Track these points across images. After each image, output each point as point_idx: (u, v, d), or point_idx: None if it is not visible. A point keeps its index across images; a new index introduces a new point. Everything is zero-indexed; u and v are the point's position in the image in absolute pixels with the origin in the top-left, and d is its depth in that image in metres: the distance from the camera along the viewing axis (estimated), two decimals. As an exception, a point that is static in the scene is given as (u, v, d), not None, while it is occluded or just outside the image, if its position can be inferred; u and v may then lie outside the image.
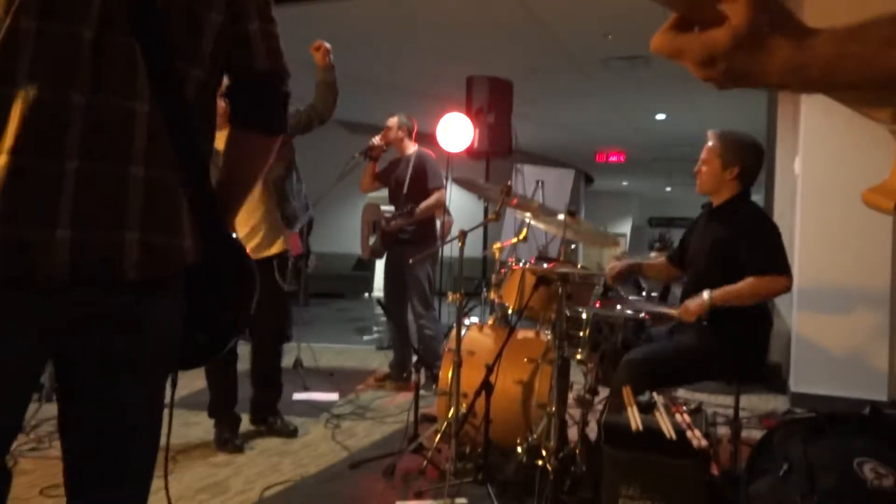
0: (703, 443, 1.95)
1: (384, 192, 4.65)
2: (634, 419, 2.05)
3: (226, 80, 1.23)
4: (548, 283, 2.69)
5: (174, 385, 1.19)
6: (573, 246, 5.13)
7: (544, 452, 2.49)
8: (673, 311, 2.53)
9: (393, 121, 4.44)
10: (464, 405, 2.67)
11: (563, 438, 2.65)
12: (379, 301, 4.91)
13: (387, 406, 4.01)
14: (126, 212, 1.01)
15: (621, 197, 19.61)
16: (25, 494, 2.49)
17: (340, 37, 3.35)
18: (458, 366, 2.71)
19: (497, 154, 5.40)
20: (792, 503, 1.85)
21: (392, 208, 4.44)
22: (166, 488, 1.24)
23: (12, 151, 0.95)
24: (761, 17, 0.51)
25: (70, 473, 1.12)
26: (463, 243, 2.79)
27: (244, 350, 3.23)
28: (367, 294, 11.31)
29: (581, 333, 2.65)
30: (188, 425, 3.37)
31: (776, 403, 4.34)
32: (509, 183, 2.95)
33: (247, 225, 3.13)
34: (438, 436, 2.81)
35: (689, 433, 1.98)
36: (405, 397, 4.08)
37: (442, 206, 4.39)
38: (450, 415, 2.70)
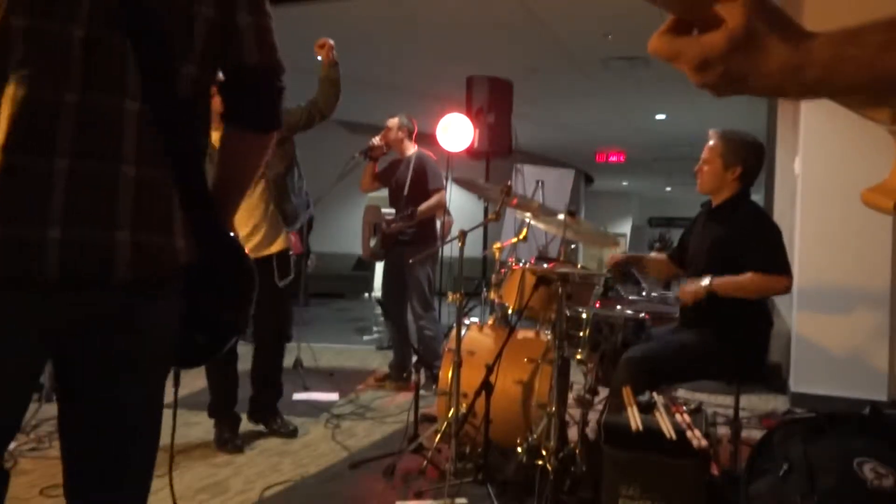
0: (703, 443, 1.95)
1: (385, 193, 4.64)
2: (634, 419, 2.05)
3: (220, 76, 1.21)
4: (548, 283, 2.69)
5: (177, 384, 1.19)
6: (573, 246, 5.13)
7: (544, 452, 2.49)
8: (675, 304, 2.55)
9: (393, 121, 4.42)
10: (464, 405, 2.67)
11: (563, 438, 2.65)
12: (378, 301, 4.91)
13: (387, 406, 4.01)
14: (117, 211, 1.01)
15: (621, 197, 19.60)
16: (25, 494, 2.49)
17: (340, 37, 3.34)
18: (458, 366, 2.71)
19: (497, 154, 5.40)
20: (792, 503, 1.85)
21: (393, 211, 4.44)
22: (171, 487, 1.24)
23: (3, 149, 0.95)
24: (758, 19, 0.51)
25: (70, 473, 1.12)
26: (463, 243, 2.79)
27: (244, 350, 3.23)
28: (367, 294, 11.30)
29: (581, 333, 2.65)
30: (188, 425, 3.36)
31: (776, 403, 4.34)
32: (509, 183, 2.95)
33: (248, 224, 3.11)
34: (438, 436, 2.81)
35: (689, 433, 1.98)
36: (405, 397, 4.08)
37: (442, 207, 4.38)
38: (450, 415, 2.70)
